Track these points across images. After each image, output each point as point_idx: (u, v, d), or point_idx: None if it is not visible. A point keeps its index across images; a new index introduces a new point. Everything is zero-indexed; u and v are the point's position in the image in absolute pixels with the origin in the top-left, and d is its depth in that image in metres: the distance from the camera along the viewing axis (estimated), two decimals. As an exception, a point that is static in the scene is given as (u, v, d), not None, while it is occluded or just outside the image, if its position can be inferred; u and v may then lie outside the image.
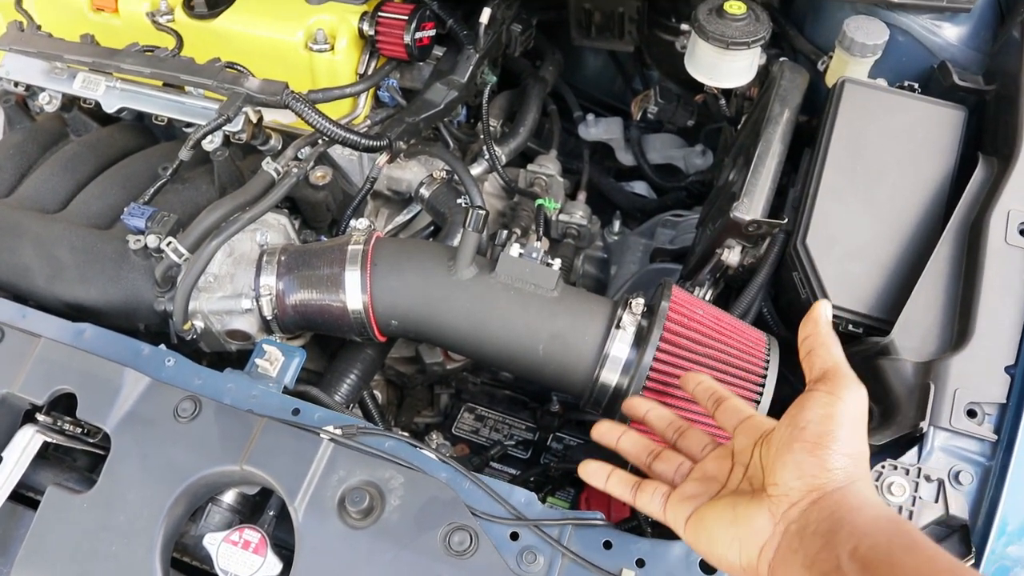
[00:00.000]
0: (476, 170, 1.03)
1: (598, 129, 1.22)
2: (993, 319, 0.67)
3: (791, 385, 0.88)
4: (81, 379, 0.74)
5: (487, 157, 1.03)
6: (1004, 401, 0.65)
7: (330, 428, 0.70)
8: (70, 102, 1.00)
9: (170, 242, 0.78)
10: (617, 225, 1.17)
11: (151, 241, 0.79)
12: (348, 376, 0.90)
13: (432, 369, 1.04)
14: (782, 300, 0.86)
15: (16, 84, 0.99)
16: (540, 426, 1.11)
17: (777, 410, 0.75)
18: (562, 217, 1.10)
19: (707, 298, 0.86)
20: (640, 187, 1.26)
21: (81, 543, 0.69)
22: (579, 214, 1.11)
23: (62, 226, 0.84)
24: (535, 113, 1.10)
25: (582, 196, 1.16)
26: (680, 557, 0.65)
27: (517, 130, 1.08)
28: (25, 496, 0.75)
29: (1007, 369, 0.66)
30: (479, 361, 0.88)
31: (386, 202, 1.08)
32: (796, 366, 0.85)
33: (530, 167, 1.10)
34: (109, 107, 0.95)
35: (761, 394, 0.74)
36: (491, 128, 1.08)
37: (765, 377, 0.74)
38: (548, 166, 1.11)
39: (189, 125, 0.96)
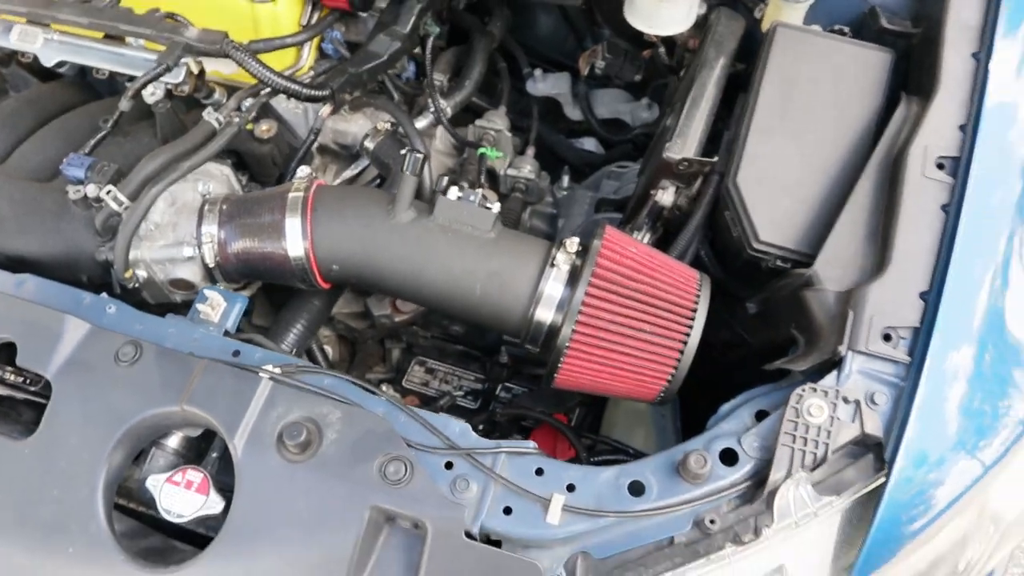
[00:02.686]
0: (421, 123, 1.04)
1: (546, 84, 1.23)
2: (909, 248, 0.70)
3: (729, 328, 0.91)
4: (21, 328, 0.74)
5: (432, 110, 1.04)
6: (918, 325, 0.68)
7: (269, 367, 0.71)
8: (7, 57, 0.99)
9: (109, 190, 0.78)
10: (566, 180, 1.19)
11: (91, 191, 0.79)
12: (294, 326, 0.91)
13: (381, 322, 1.05)
14: (718, 242, 0.88)
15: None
16: (489, 378, 1.13)
17: (704, 351, 0.78)
18: (510, 171, 1.11)
19: (645, 241, 0.88)
20: (589, 143, 1.27)
21: (22, 489, 0.70)
22: (527, 168, 1.12)
23: (1, 179, 0.84)
24: (481, 67, 1.11)
25: (531, 151, 1.17)
26: (609, 480, 0.67)
27: (463, 83, 1.08)
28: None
29: (922, 295, 0.69)
30: (420, 303, 0.89)
31: (334, 157, 1.08)
32: (732, 307, 0.88)
33: (478, 122, 1.11)
34: (47, 60, 0.94)
35: (691, 328, 0.76)
36: (437, 83, 1.09)
37: (695, 312, 0.76)
38: (496, 121, 1.12)
39: (132, 79, 0.95)
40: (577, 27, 1.30)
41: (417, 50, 1.08)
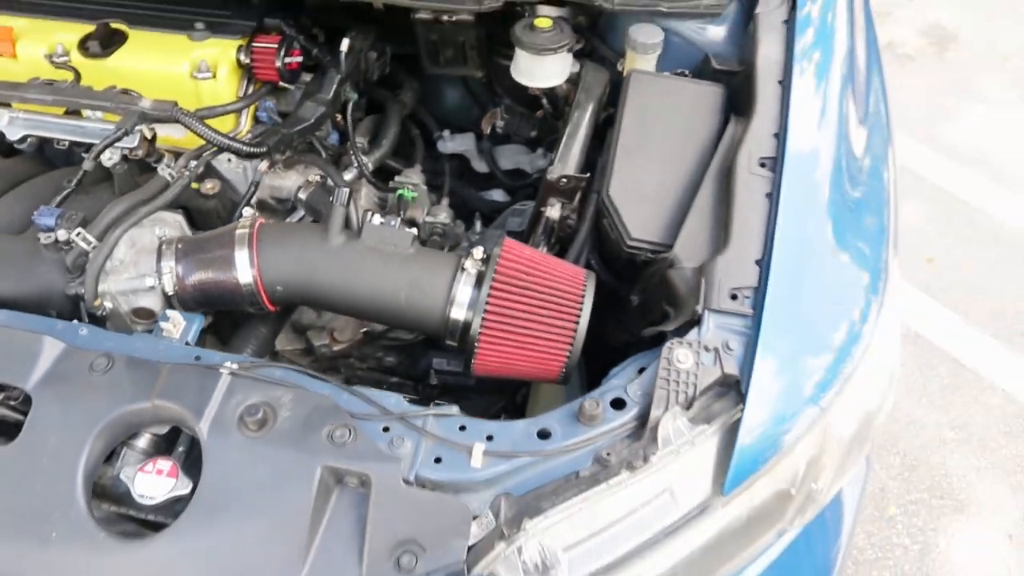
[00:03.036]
0: (347, 176, 1.20)
1: (455, 143, 1.43)
2: (744, 228, 0.89)
3: (617, 319, 1.07)
4: (1, 348, 0.84)
5: (355, 165, 1.21)
6: (756, 285, 0.85)
7: (228, 364, 0.83)
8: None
9: (79, 232, 0.91)
10: (479, 225, 1.35)
11: (61, 235, 0.92)
12: (243, 351, 1.03)
13: (321, 352, 1.18)
14: (604, 251, 1.05)
15: (-79, 123, 1.10)
16: (421, 397, 1.26)
17: (594, 341, 0.93)
18: (428, 219, 1.27)
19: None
20: (497, 195, 1.46)
21: (7, 486, 0.78)
22: (443, 215, 1.28)
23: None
24: (396, 128, 1.29)
25: (445, 202, 1.34)
26: (521, 429, 0.80)
27: (380, 142, 1.26)
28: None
29: (756, 262, 0.87)
30: (354, 313, 1.02)
31: (272, 212, 1.23)
32: (616, 305, 1.05)
33: (397, 178, 1.28)
34: (13, 135, 1.07)
35: (580, 314, 0.92)
36: (359, 144, 1.26)
37: (583, 300, 0.92)
38: (413, 177, 1.29)
39: (89, 148, 1.09)
40: (479, 97, 1.51)
41: (339, 119, 1.26)
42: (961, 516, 1.71)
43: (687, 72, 1.10)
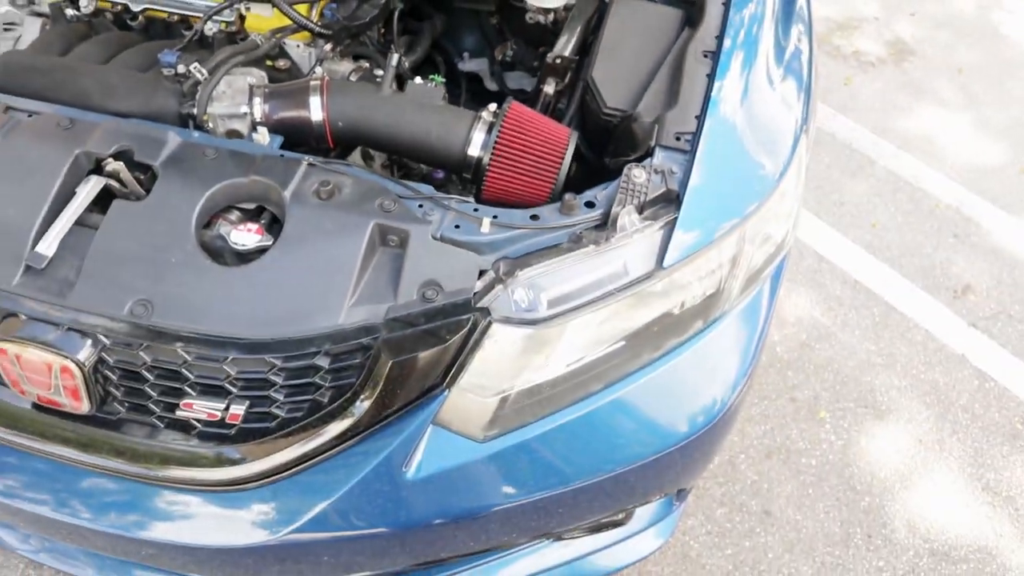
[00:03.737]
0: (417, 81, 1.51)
1: (472, 64, 1.75)
2: (689, 94, 1.19)
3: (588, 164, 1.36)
4: (136, 138, 1.13)
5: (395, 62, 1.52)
6: (694, 130, 1.16)
7: (308, 158, 1.13)
8: (98, 11, 1.42)
9: (196, 65, 1.21)
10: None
11: (180, 68, 1.22)
12: None
13: None
14: (586, 124, 1.36)
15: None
16: None
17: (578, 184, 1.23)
18: None
19: (540, 123, 1.35)
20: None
21: (141, 229, 1.07)
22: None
23: (112, 66, 1.25)
24: (427, 41, 1.61)
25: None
26: (519, 213, 1.09)
27: (415, 49, 1.58)
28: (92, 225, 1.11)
29: (696, 116, 1.17)
30: (394, 149, 1.31)
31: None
32: (589, 164, 1.35)
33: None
34: (136, 7, 1.37)
35: (563, 159, 1.22)
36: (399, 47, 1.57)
37: (567, 145, 1.23)
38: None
39: (189, 27, 1.39)
40: (491, 35, 1.83)
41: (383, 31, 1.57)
42: (881, 422, 2.00)
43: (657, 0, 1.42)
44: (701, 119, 1.17)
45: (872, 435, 1.97)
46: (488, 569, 1.37)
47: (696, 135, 1.16)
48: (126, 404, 1.10)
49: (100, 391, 1.08)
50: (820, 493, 1.84)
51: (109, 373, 1.07)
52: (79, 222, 1.08)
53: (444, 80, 1.47)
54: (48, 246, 1.06)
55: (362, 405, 1.05)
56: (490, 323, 1.03)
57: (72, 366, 1.02)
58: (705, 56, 1.25)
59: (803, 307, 2.24)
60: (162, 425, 1.10)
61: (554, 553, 1.41)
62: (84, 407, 1.07)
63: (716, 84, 1.20)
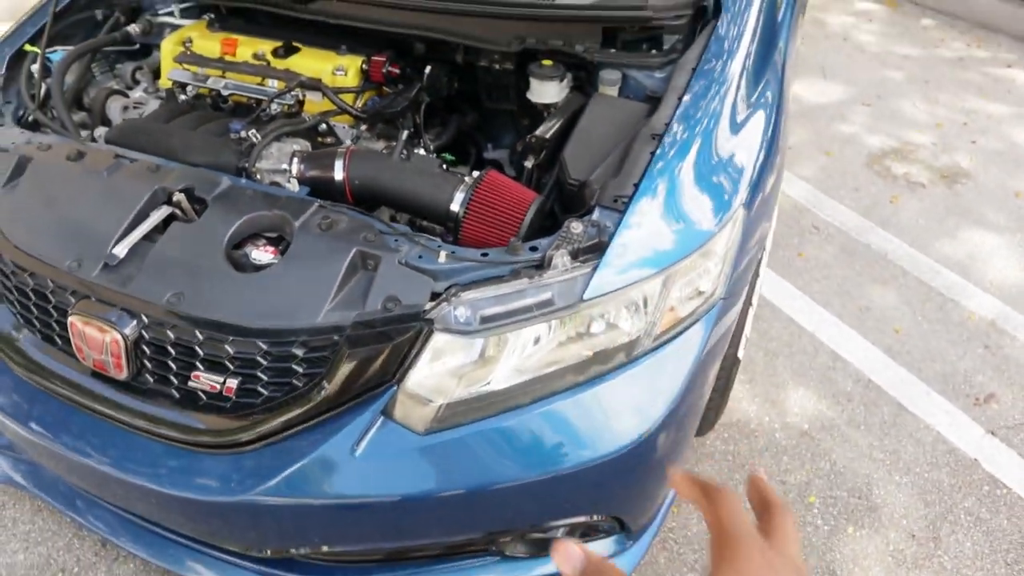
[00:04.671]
0: (420, 152, 1.85)
1: (494, 152, 2.07)
2: (632, 166, 1.44)
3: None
4: (198, 180, 1.49)
5: (422, 145, 1.86)
6: (630, 194, 1.40)
7: (319, 201, 1.45)
8: (199, 95, 1.86)
9: (253, 132, 1.58)
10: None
11: (243, 134, 1.60)
12: None
13: None
14: (561, 193, 1.62)
15: (174, 83, 1.86)
16: None
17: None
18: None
19: (522, 192, 1.63)
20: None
21: (186, 244, 1.41)
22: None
23: (195, 131, 1.66)
24: (454, 129, 1.95)
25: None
26: (472, 251, 1.35)
27: (442, 135, 1.92)
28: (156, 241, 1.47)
29: (634, 184, 1.41)
30: (396, 205, 1.61)
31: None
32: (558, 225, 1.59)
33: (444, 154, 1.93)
34: (225, 92, 1.80)
35: (525, 215, 1.48)
36: (425, 133, 1.92)
37: (529, 205, 1.49)
38: (463, 170, 1.93)
39: (259, 101, 1.79)
40: (519, 132, 2.16)
41: (416, 119, 1.93)
42: (873, 513, 2.02)
43: (630, 96, 1.70)
44: (637, 186, 1.41)
45: (861, 524, 1.99)
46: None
47: (631, 199, 1.39)
48: (155, 375, 1.41)
49: (137, 363, 1.39)
50: (798, 573, 1.87)
51: (145, 348, 1.38)
52: (147, 237, 1.44)
53: (453, 159, 1.79)
54: (122, 250, 1.41)
55: (326, 390, 1.30)
56: (432, 330, 1.27)
57: (119, 338, 1.35)
58: (653, 137, 1.50)
59: (809, 400, 2.32)
60: (178, 395, 1.39)
61: (501, 573, 1.55)
62: (124, 374, 1.39)
63: (656, 159, 1.44)
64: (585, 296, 1.30)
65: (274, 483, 1.31)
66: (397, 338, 1.27)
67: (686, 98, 1.57)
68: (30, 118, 1.79)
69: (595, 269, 1.31)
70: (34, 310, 1.52)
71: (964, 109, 3.89)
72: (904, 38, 4.71)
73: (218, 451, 1.36)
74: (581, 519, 1.46)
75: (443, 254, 1.34)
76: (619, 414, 1.35)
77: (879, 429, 2.23)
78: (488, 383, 1.31)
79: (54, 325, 1.50)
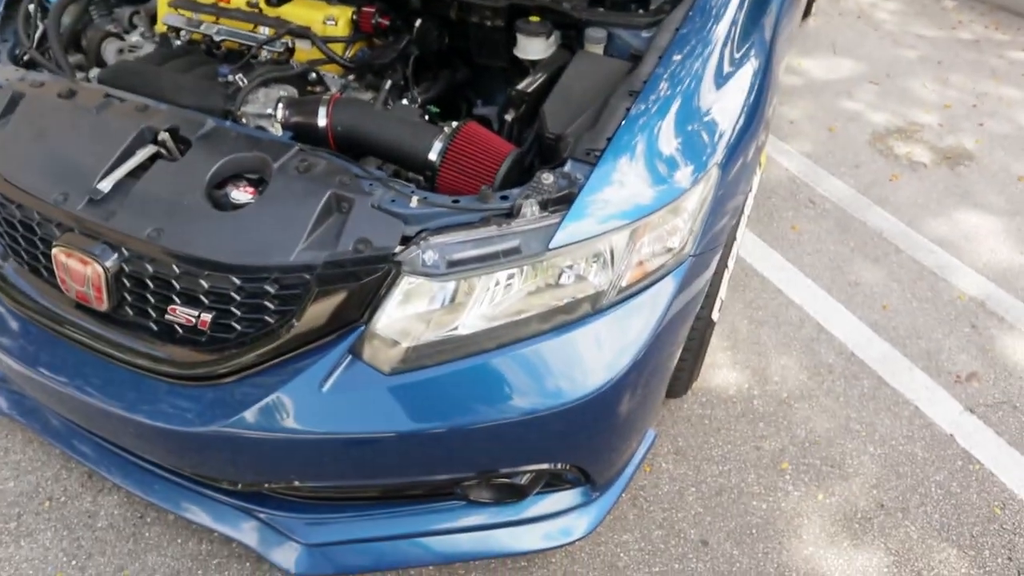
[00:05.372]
0: (403, 102, 1.87)
1: (484, 109, 2.09)
2: (607, 121, 1.45)
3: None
4: (184, 121, 1.52)
5: (409, 98, 1.87)
6: (602, 148, 1.41)
7: (298, 145, 1.48)
8: (192, 41, 1.88)
9: (240, 76, 1.61)
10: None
11: (230, 78, 1.62)
12: None
13: None
14: (542, 145, 1.63)
15: (168, 28, 1.88)
16: None
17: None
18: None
19: (503, 146, 1.65)
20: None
21: (171, 181, 1.44)
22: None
23: (185, 74, 1.69)
24: (443, 84, 1.96)
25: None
26: (444, 198, 1.37)
27: (431, 89, 1.93)
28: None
29: (607, 138, 1.42)
30: (375, 150, 1.63)
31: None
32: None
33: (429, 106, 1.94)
34: (217, 38, 1.82)
35: (500, 165, 1.49)
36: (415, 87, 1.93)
37: (505, 156, 1.51)
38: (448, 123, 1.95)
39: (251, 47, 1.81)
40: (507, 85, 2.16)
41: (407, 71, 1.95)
42: (844, 483, 2.04)
43: (614, 55, 1.71)
44: (610, 140, 1.42)
45: (832, 492, 2.02)
46: (401, 518, 1.57)
47: (603, 152, 1.40)
48: (134, 309, 1.45)
49: (117, 295, 1.43)
50: (763, 535, 1.91)
51: (125, 281, 1.42)
52: (132, 174, 1.47)
53: (438, 111, 1.80)
54: (106, 185, 1.44)
55: (296, 328, 1.34)
56: (400, 272, 1.30)
57: (100, 270, 1.39)
58: (630, 95, 1.51)
59: (791, 369, 2.33)
60: (155, 328, 1.44)
61: (466, 518, 1.59)
62: (105, 305, 1.43)
63: (630, 115, 1.45)
64: (551, 245, 1.32)
65: (244, 415, 1.35)
66: (366, 278, 1.30)
67: (670, 57, 1.57)
68: (26, 57, 1.82)
69: (563, 219, 1.33)
70: (21, 241, 1.56)
71: (975, 91, 3.84)
72: (922, 18, 4.64)
73: (192, 383, 1.41)
74: (544, 466, 1.50)
75: (415, 199, 1.36)
76: (582, 363, 1.37)
77: (858, 401, 2.25)
78: (455, 327, 1.34)
79: (40, 256, 1.54)
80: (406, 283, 1.31)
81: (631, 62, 1.67)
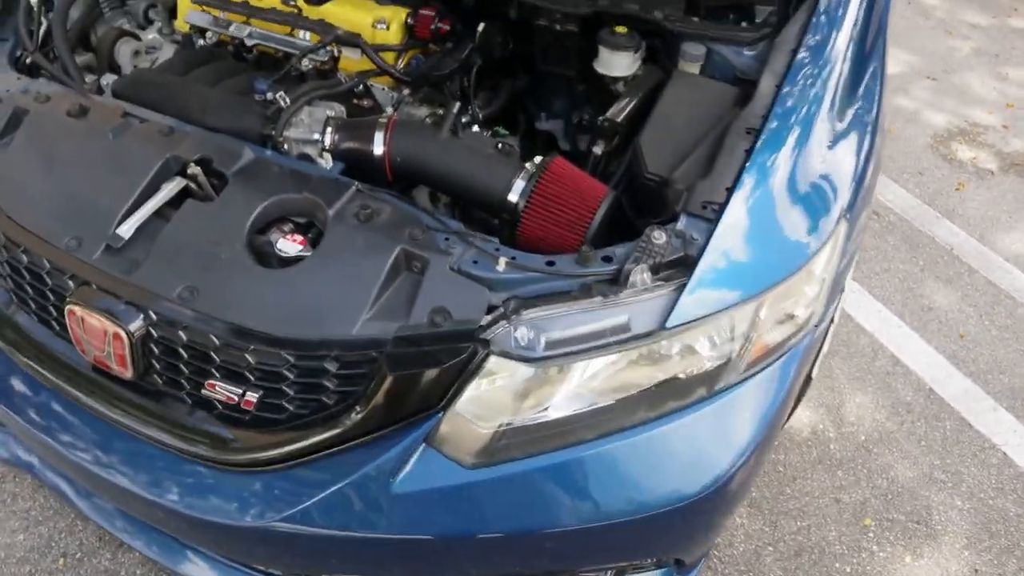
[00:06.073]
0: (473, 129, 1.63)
1: (548, 124, 1.85)
2: (724, 167, 1.22)
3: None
4: (217, 149, 1.29)
5: (470, 113, 1.63)
6: (722, 202, 1.19)
7: (356, 183, 1.25)
8: (220, 43, 1.63)
9: (281, 94, 1.36)
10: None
11: (269, 95, 1.38)
12: None
13: None
14: (632, 186, 1.41)
15: (192, 28, 1.63)
16: None
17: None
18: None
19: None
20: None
21: (205, 225, 1.21)
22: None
23: (214, 88, 1.44)
24: (505, 96, 1.72)
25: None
26: (536, 258, 1.15)
27: (492, 103, 1.69)
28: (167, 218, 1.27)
29: (727, 188, 1.20)
30: (442, 187, 1.41)
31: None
32: (627, 224, 1.38)
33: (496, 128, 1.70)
34: (249, 42, 1.57)
35: (595, 213, 1.27)
36: (474, 99, 1.69)
37: (600, 203, 1.28)
38: (512, 141, 1.71)
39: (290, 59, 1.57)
40: (574, 102, 1.92)
41: (465, 82, 1.70)
42: (933, 542, 1.87)
43: (716, 78, 1.47)
44: (731, 191, 1.20)
45: (920, 553, 1.84)
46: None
47: (723, 206, 1.18)
48: (164, 378, 1.23)
49: (144, 363, 1.21)
50: (851, 604, 1.73)
51: (154, 347, 1.20)
52: (158, 213, 1.24)
53: (507, 133, 1.57)
54: (127, 230, 1.22)
55: (362, 412, 1.12)
56: (488, 354, 1.08)
57: (123, 334, 1.17)
58: (748, 132, 1.28)
59: (867, 408, 2.14)
60: (190, 402, 1.22)
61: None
62: (128, 373, 1.21)
63: (752, 159, 1.23)
64: (669, 323, 1.10)
65: (299, 511, 1.15)
66: (447, 361, 1.08)
67: (790, 86, 1.34)
68: (28, 60, 1.57)
69: (680, 290, 1.12)
70: (28, 290, 1.33)
71: (1037, 88, 3.62)
72: (973, 4, 4.38)
73: (236, 469, 1.20)
74: (639, 562, 1.30)
75: (502, 260, 1.14)
76: (699, 453, 1.17)
77: (941, 446, 2.07)
78: (546, 408, 1.13)
79: (51, 309, 1.31)
80: (493, 365, 1.10)
81: (738, 87, 1.43)
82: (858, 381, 2.20)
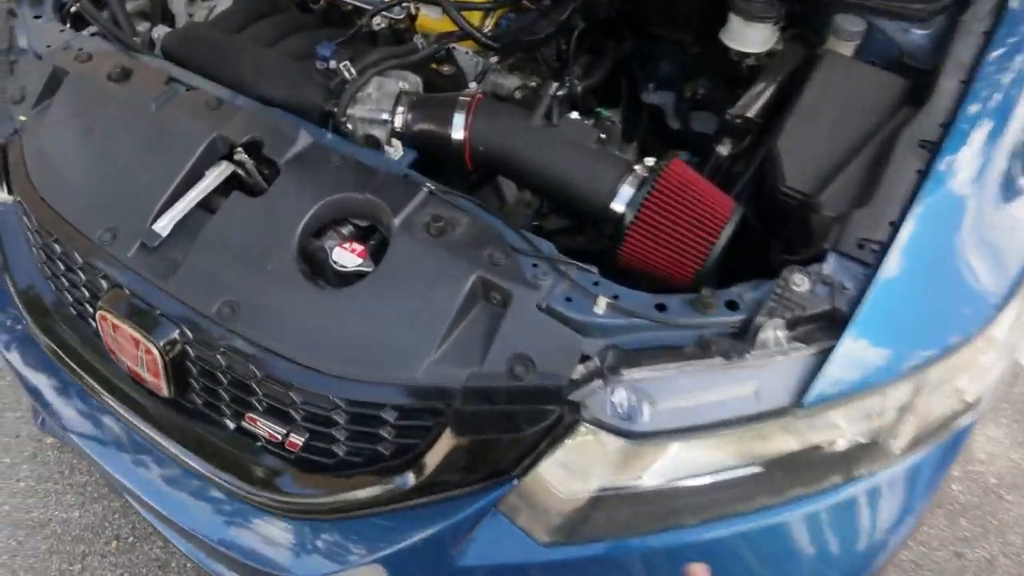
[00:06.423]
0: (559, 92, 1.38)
1: (657, 96, 1.57)
2: (888, 192, 0.96)
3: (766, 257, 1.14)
4: (269, 131, 1.09)
5: (567, 83, 1.38)
6: (885, 240, 0.93)
7: (429, 184, 1.04)
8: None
9: (346, 64, 1.15)
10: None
11: (332, 64, 1.17)
12: None
13: None
14: (762, 196, 1.15)
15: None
16: None
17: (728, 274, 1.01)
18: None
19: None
20: (682, 156, 1.58)
21: (248, 226, 1.03)
22: (630, 154, 1.43)
23: (272, 51, 1.23)
24: (607, 66, 1.44)
25: (635, 145, 1.49)
26: (643, 299, 0.93)
27: (592, 73, 1.43)
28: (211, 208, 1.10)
29: (891, 223, 0.94)
30: (531, 185, 1.18)
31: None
32: (761, 249, 1.14)
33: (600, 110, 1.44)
34: (319, -4, 1.35)
35: (719, 237, 1.03)
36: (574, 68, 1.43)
37: (726, 222, 1.04)
38: (613, 115, 1.44)
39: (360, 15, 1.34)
40: (686, 70, 1.63)
41: (563, 45, 1.44)
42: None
43: (874, 61, 1.17)
44: (897, 227, 0.93)
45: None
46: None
47: (886, 247, 0.92)
48: (203, 399, 1.08)
49: (181, 380, 1.06)
50: None
51: (191, 365, 1.05)
52: (200, 204, 1.07)
53: (609, 113, 1.31)
54: (164, 227, 1.05)
55: (421, 472, 0.95)
56: (578, 422, 0.88)
57: (155, 350, 1.01)
58: (922, 146, 1.00)
59: (1000, 443, 1.86)
60: (232, 427, 1.07)
61: None
62: (164, 390, 1.06)
63: (929, 186, 0.96)
64: (807, 399, 0.87)
65: (348, 573, 1.00)
66: (526, 429, 0.89)
67: (980, 84, 1.04)
68: (73, 9, 1.39)
69: (824, 355, 0.88)
70: (64, 281, 1.19)
71: None
72: None
73: (280, 511, 1.05)
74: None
75: (602, 301, 0.92)
76: (822, 553, 0.96)
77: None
78: (639, 477, 0.93)
79: (86, 305, 1.17)
80: (584, 434, 0.90)
81: (906, 77, 1.13)
82: (990, 410, 1.91)
